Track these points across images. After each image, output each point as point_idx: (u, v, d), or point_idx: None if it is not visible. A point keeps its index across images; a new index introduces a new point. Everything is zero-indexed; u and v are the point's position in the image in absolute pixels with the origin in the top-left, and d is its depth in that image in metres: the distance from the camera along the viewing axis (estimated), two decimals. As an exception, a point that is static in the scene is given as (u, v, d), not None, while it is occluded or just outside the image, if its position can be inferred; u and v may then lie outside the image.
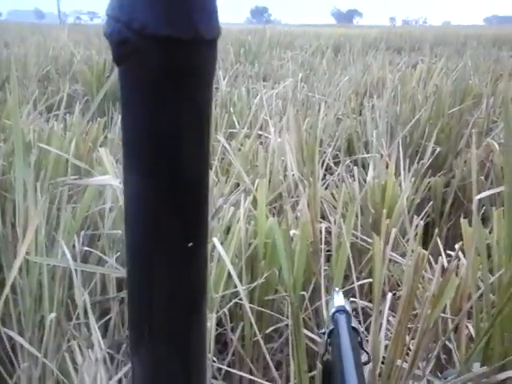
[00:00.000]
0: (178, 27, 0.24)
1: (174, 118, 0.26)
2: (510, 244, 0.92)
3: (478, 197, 1.10)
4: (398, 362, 0.98)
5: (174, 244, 0.28)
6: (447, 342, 1.20)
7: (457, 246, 1.23)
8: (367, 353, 0.54)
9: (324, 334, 0.56)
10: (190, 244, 0.28)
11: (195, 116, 0.26)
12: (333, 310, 0.58)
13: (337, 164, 2.32)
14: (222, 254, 1.17)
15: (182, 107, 0.26)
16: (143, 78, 0.25)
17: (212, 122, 2.53)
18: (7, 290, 0.94)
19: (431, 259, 1.41)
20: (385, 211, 1.19)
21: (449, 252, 1.46)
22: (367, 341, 1.00)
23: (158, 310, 0.29)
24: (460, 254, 1.24)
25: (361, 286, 1.59)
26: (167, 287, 0.28)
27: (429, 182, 2.18)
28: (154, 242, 0.28)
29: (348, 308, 0.58)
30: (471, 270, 0.99)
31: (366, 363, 0.55)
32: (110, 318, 1.44)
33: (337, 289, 0.62)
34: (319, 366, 1.01)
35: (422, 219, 1.95)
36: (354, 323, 0.56)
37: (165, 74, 0.25)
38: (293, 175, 1.74)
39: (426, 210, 2.02)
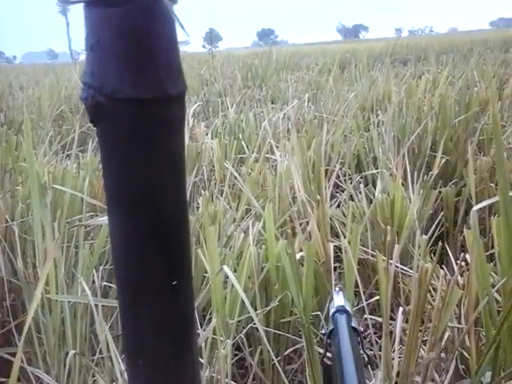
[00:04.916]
0: (145, 88, 0.27)
1: (149, 167, 0.29)
2: (509, 252, 0.93)
3: (476, 208, 1.11)
4: (412, 375, 0.98)
5: (159, 281, 0.31)
6: (465, 353, 1.20)
7: (467, 256, 1.24)
8: (367, 354, 0.54)
9: (324, 334, 0.56)
10: (174, 282, 0.31)
11: (169, 163, 0.30)
12: (333, 310, 0.59)
13: (347, 181, 2.34)
14: (233, 281, 1.19)
15: (155, 157, 0.29)
16: (118, 136, 0.28)
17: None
18: (26, 327, 0.98)
19: (445, 270, 1.42)
20: (389, 228, 1.20)
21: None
22: (380, 356, 1.02)
23: (148, 342, 0.32)
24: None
25: (377, 302, 1.60)
26: (155, 322, 0.31)
27: (440, 192, 2.19)
28: (140, 280, 0.31)
29: (348, 308, 0.58)
30: (475, 279, 1.00)
31: (366, 364, 0.55)
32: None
33: (337, 289, 0.63)
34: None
35: (435, 229, 1.95)
36: (354, 323, 0.56)
37: (137, 131, 0.28)
38: (300, 197, 1.76)
39: (438, 219, 2.03)
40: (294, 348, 1.45)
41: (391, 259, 1.09)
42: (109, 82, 0.27)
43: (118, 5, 0.26)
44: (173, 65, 0.28)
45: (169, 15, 0.27)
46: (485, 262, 1.00)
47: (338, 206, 2.06)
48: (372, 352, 1.46)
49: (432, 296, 1.21)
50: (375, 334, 1.57)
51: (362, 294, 1.19)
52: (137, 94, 0.27)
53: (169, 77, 0.28)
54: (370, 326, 1.20)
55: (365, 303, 1.21)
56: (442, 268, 1.47)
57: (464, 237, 2.25)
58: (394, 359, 1.03)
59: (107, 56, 0.27)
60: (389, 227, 1.22)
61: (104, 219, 1.50)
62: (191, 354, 0.34)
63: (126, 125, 0.28)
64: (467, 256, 1.27)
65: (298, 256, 1.28)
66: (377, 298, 1.51)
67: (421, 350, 1.06)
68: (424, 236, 1.29)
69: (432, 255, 1.64)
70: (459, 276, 1.19)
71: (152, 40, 0.27)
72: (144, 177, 0.29)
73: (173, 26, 0.28)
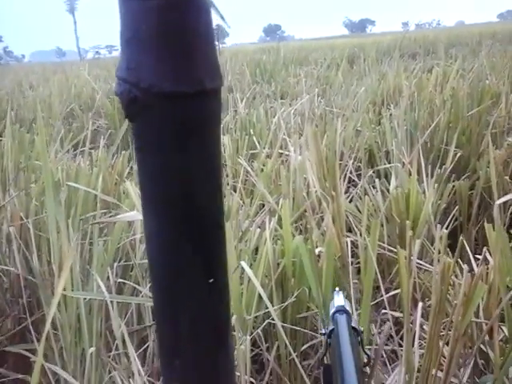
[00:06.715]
0: (183, 82, 0.27)
1: (187, 164, 0.28)
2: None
3: (499, 202, 1.10)
4: (433, 370, 0.98)
5: (196, 280, 0.30)
6: (484, 348, 1.19)
7: (485, 250, 1.23)
8: (367, 354, 0.54)
9: (324, 334, 0.56)
10: (211, 280, 0.30)
11: (205, 159, 0.29)
12: (333, 310, 0.59)
13: (359, 176, 2.33)
14: (251, 276, 1.19)
15: (192, 153, 0.28)
16: (155, 131, 0.28)
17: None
18: (49, 323, 0.98)
19: (461, 263, 1.41)
20: (408, 222, 1.19)
21: (478, 256, 1.46)
22: (401, 350, 1.01)
23: (185, 342, 0.31)
24: (489, 257, 1.24)
25: (393, 297, 1.59)
26: (192, 321, 0.31)
27: (453, 186, 2.17)
28: (176, 280, 0.30)
29: (348, 308, 0.58)
30: (498, 273, 0.99)
31: (366, 364, 0.55)
32: (147, 346, 1.47)
33: (337, 289, 0.63)
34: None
35: (449, 223, 1.94)
36: (354, 323, 0.56)
37: (174, 125, 0.27)
38: (315, 192, 1.75)
39: (452, 214, 2.01)
40: (310, 343, 1.45)
41: (410, 254, 1.08)
42: (145, 76, 0.26)
43: None
44: (210, 59, 0.28)
45: (206, 8, 0.27)
46: (510, 257, 0.98)
47: (351, 201, 2.05)
48: (389, 347, 1.46)
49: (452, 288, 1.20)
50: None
51: (382, 288, 1.18)
52: (174, 88, 0.26)
53: (206, 71, 0.27)
54: (391, 320, 1.19)
55: (385, 297, 1.20)
56: (457, 262, 1.46)
57: (477, 231, 2.25)
58: (414, 353, 1.02)
59: (144, 50, 0.26)
60: (408, 222, 1.21)
61: (119, 217, 1.50)
62: (227, 353, 0.33)
63: (162, 119, 0.27)
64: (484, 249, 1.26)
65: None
66: (393, 292, 1.50)
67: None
68: (444, 230, 1.28)
69: (448, 250, 1.63)
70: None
71: (190, 34, 0.26)
72: (181, 173, 0.28)
73: (210, 20, 0.27)
